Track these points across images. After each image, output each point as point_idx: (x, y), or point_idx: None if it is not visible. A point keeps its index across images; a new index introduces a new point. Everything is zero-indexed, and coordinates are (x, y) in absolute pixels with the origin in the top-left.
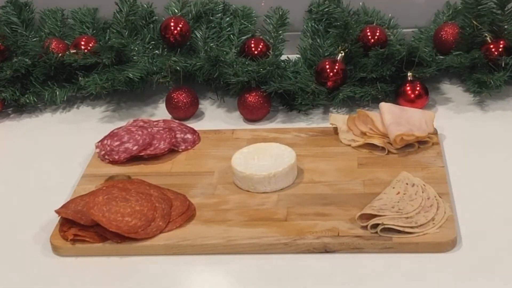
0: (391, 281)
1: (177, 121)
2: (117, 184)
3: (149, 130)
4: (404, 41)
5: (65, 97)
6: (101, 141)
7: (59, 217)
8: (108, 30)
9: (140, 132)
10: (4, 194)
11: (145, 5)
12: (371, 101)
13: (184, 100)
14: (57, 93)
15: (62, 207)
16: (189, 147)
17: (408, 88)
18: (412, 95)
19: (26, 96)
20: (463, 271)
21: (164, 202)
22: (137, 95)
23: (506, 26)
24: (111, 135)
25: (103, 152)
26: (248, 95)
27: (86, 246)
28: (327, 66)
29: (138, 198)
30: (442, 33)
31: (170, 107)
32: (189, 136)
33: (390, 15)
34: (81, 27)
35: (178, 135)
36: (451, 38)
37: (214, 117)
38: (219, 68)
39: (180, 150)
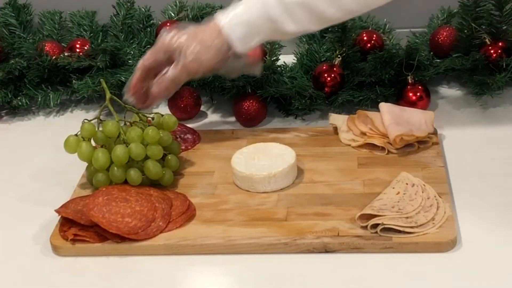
0: (391, 281)
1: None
2: (116, 184)
3: None
4: (399, 45)
5: (59, 101)
6: None
7: (59, 217)
8: (101, 33)
9: None
10: (3, 194)
11: (142, 9)
12: (370, 105)
13: (187, 101)
14: (51, 96)
15: (61, 206)
16: (189, 147)
17: (410, 91)
18: (414, 98)
19: (18, 98)
20: (463, 271)
21: (164, 202)
22: None
23: (504, 27)
24: None
25: None
26: (243, 103)
27: (86, 246)
28: (325, 70)
29: (138, 198)
30: (438, 36)
31: (173, 107)
32: (189, 136)
33: (385, 20)
34: (79, 30)
35: (177, 135)
36: (448, 41)
37: (214, 117)
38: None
39: (180, 150)
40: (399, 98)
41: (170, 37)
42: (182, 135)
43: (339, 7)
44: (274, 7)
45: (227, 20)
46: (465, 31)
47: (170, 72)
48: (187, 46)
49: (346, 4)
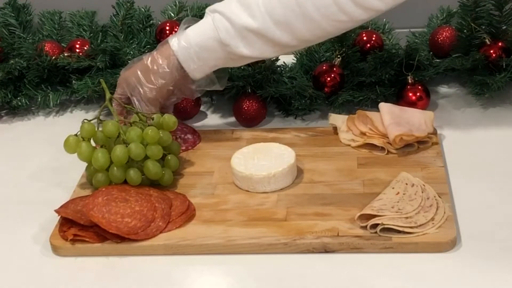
0: (391, 281)
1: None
2: (116, 184)
3: None
4: (399, 45)
5: (58, 101)
6: None
7: (59, 217)
8: (100, 33)
9: None
10: (3, 194)
11: (142, 9)
12: (370, 105)
13: (187, 101)
14: (50, 96)
15: (61, 207)
16: (189, 148)
17: (410, 91)
18: (414, 98)
19: (18, 98)
20: (463, 271)
21: (163, 202)
22: None
23: (504, 27)
24: None
25: None
26: (243, 103)
27: (86, 246)
28: (325, 71)
29: (137, 199)
30: (438, 36)
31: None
32: (189, 136)
33: (384, 20)
34: (79, 30)
35: (177, 135)
36: (448, 41)
37: (214, 117)
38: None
39: (180, 151)
40: (399, 98)
41: (126, 77)
42: (182, 135)
43: (293, 35)
44: (225, 31)
45: (177, 43)
46: (465, 31)
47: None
48: (141, 80)
49: (300, 33)
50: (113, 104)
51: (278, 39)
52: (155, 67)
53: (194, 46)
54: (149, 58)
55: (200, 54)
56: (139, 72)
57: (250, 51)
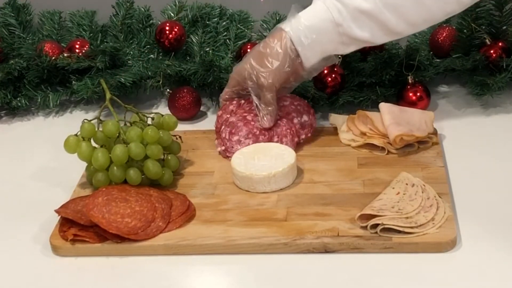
0: (391, 281)
1: (289, 96)
2: (116, 184)
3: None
4: (399, 45)
5: (58, 101)
6: (218, 133)
7: (59, 217)
8: (100, 34)
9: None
10: (3, 194)
11: (142, 9)
12: (370, 106)
13: (187, 101)
14: (50, 97)
15: (61, 207)
16: (309, 134)
17: (410, 91)
18: (414, 98)
19: (18, 99)
20: (463, 271)
21: (164, 202)
22: (131, 99)
23: (504, 27)
24: (228, 124)
25: (223, 148)
26: None
27: (86, 246)
28: (326, 71)
29: (137, 199)
30: (438, 36)
31: (173, 107)
32: (305, 118)
33: None
34: (78, 30)
35: (295, 121)
36: (448, 41)
37: (214, 117)
38: (213, 73)
39: (301, 140)
40: (399, 99)
41: (238, 70)
42: (299, 118)
43: (401, 17)
44: (338, 11)
45: (289, 26)
46: (465, 31)
47: (255, 101)
48: (254, 67)
49: (407, 15)
50: (221, 99)
51: (387, 21)
52: (267, 50)
53: (307, 28)
54: (261, 44)
55: (313, 37)
56: (252, 60)
57: (362, 33)
